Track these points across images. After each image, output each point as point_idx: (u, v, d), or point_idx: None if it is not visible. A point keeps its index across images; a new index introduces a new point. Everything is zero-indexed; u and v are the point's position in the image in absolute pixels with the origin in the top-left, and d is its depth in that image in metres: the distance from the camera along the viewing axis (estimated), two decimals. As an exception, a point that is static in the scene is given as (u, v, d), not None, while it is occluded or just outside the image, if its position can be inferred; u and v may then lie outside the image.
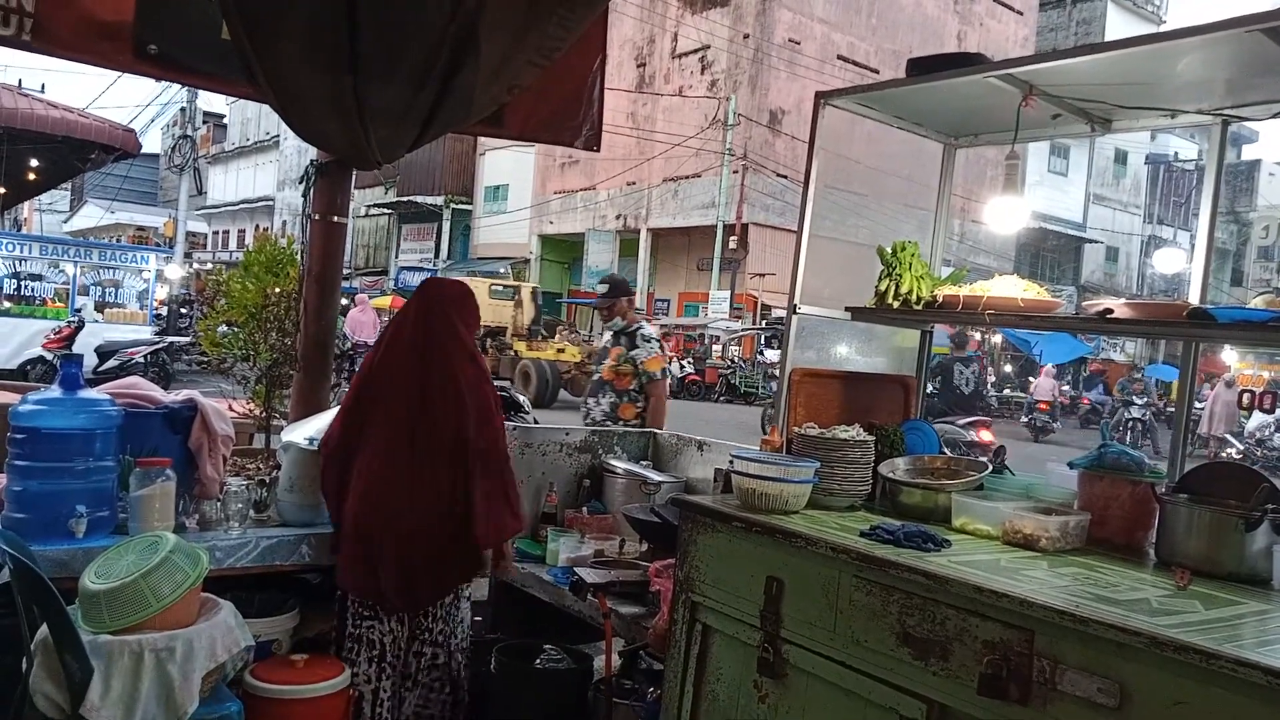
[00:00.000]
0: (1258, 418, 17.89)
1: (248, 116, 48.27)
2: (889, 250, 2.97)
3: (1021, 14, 34.20)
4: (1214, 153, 2.87)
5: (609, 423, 4.98)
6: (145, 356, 13.53)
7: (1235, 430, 18.27)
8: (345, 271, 4.51)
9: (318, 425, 3.16)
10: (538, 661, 3.20)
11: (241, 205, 49.38)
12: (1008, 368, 30.20)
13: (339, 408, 3.13)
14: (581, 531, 3.62)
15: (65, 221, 47.48)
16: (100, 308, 15.08)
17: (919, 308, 2.92)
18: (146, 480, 2.67)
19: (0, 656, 2.41)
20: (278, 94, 3.27)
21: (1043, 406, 21.03)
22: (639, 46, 30.65)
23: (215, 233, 53.57)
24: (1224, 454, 16.49)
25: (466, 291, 3.21)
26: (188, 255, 34.52)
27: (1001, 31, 32.98)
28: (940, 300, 2.87)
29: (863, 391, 3.23)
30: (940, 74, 2.84)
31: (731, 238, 26.70)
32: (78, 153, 10.36)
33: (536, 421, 7.47)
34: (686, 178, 28.49)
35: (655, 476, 3.86)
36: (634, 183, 29.83)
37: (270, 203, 45.91)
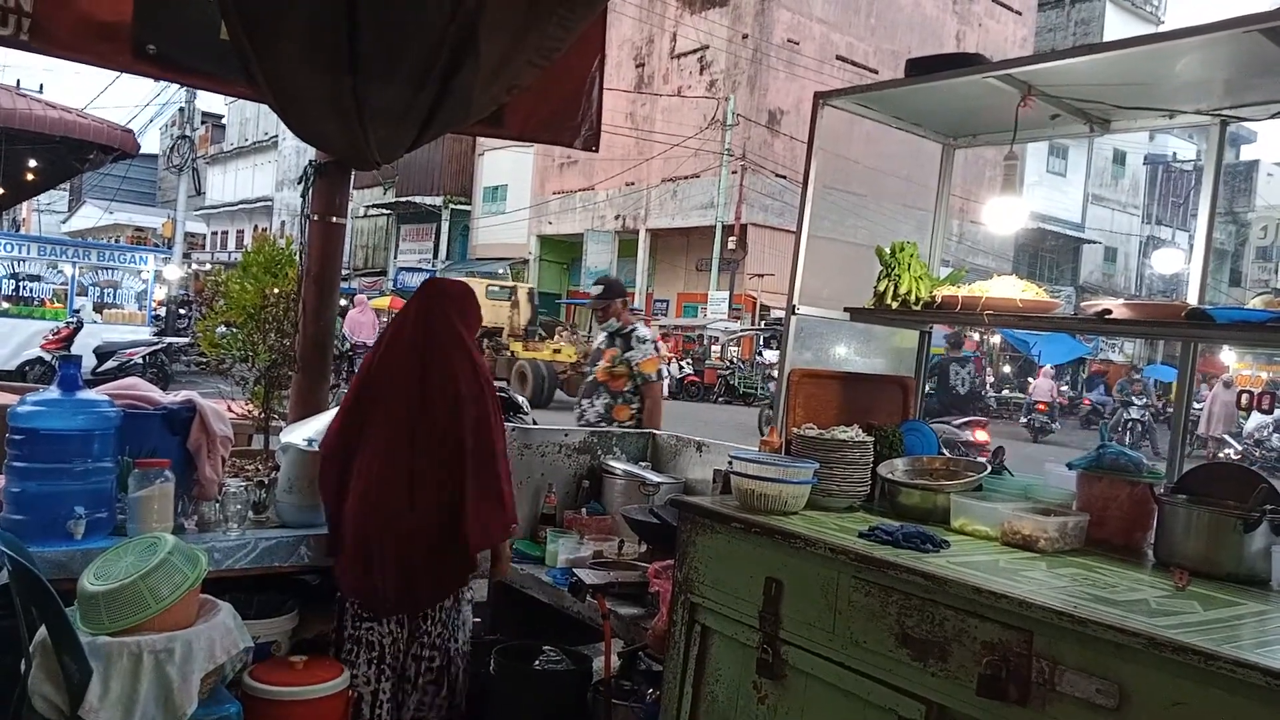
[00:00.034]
0: (1256, 418, 17.91)
1: (246, 117, 48.25)
2: (888, 251, 2.97)
3: (1020, 14, 34.23)
4: (1212, 153, 2.88)
5: (603, 424, 4.98)
6: (144, 357, 13.54)
7: (1234, 431, 18.30)
8: (344, 272, 4.51)
9: (316, 426, 3.16)
10: (537, 663, 3.20)
11: (240, 206, 49.36)
12: (1006, 368, 30.22)
13: (339, 408, 3.13)
14: (580, 532, 3.62)
15: (64, 222, 47.45)
16: (99, 308, 15.10)
17: (918, 308, 2.92)
18: (145, 481, 2.67)
19: (-1, 657, 2.41)
20: (276, 94, 3.27)
21: (1041, 407, 21.06)
22: (638, 47, 30.66)
23: (214, 233, 53.56)
24: (1222, 454, 16.52)
25: (468, 291, 3.21)
26: (186, 256, 34.50)
27: (1000, 32, 33.00)
28: (939, 301, 2.87)
29: (861, 392, 3.23)
30: (939, 74, 2.84)
31: (730, 238, 26.70)
32: (76, 153, 10.34)
33: (535, 423, 7.46)
34: (685, 178, 28.49)
35: (654, 477, 3.86)
36: (633, 183, 29.83)
37: (269, 203, 45.89)
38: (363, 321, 18.30)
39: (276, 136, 43.38)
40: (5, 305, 14.18)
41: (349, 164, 3.80)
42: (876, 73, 27.25)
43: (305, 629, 3.07)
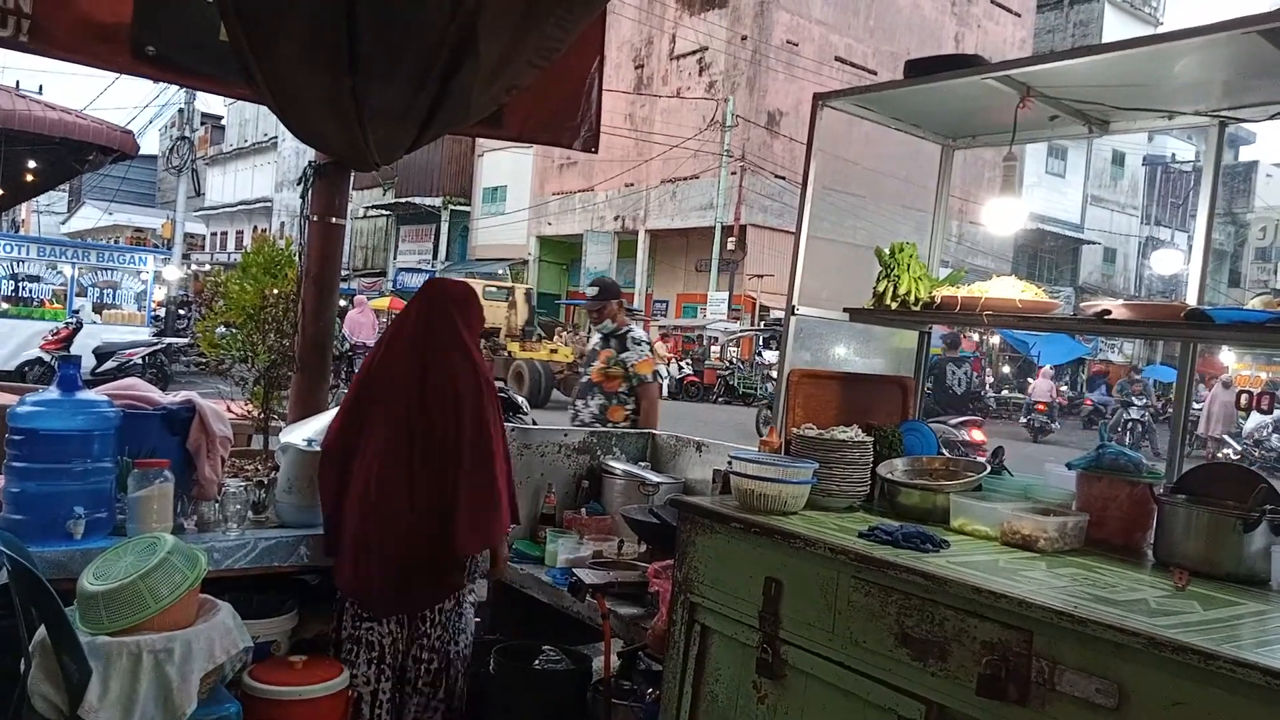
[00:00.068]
0: (1255, 418, 17.92)
1: (246, 118, 48.25)
2: (887, 251, 2.97)
3: (1019, 16, 34.25)
4: (1211, 154, 2.88)
5: (597, 424, 4.98)
6: (143, 358, 13.55)
7: (1233, 431, 18.31)
8: (343, 273, 4.51)
9: (316, 426, 3.16)
10: (536, 662, 3.20)
11: (239, 207, 49.35)
12: (1006, 369, 30.23)
13: (338, 408, 3.13)
14: (580, 532, 3.62)
15: (63, 223, 47.49)
16: (98, 309, 15.10)
17: (917, 309, 2.92)
18: (144, 481, 2.67)
19: (-2, 658, 2.41)
20: (276, 95, 3.27)
21: (1040, 407, 21.09)
22: (637, 48, 30.66)
23: (213, 234, 53.55)
24: (1222, 455, 16.53)
25: (470, 292, 3.21)
26: (186, 257, 34.52)
27: (999, 33, 33.02)
28: (938, 301, 2.88)
29: (861, 392, 3.23)
30: (938, 75, 2.84)
31: (729, 239, 26.72)
32: (75, 154, 10.35)
33: (535, 423, 7.47)
34: (685, 179, 28.50)
35: (654, 477, 3.86)
36: (632, 184, 29.84)
37: (268, 204, 45.88)
38: (362, 322, 18.32)
39: (276, 138, 43.37)
40: (5, 306, 14.18)
41: (348, 165, 3.80)
42: (875, 74, 27.26)
43: (305, 629, 3.07)
